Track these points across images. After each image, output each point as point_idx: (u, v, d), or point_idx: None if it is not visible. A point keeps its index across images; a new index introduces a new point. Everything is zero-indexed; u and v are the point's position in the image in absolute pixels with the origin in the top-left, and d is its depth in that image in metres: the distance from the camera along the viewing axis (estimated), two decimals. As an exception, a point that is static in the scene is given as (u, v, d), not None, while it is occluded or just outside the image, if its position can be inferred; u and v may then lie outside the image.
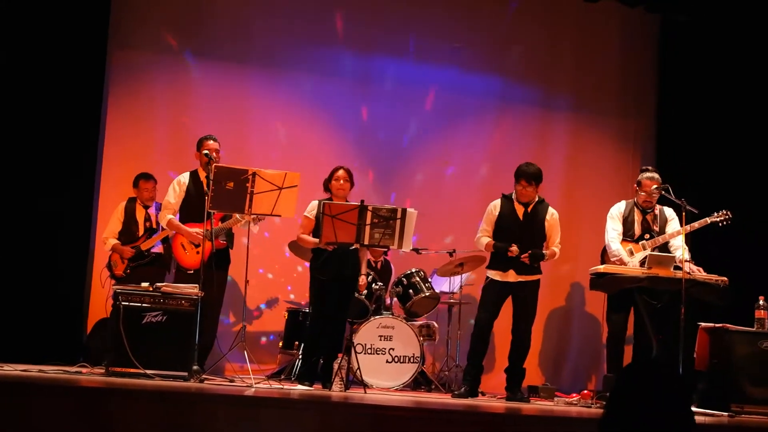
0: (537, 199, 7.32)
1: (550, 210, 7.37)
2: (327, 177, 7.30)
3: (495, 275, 7.27)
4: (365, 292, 7.86)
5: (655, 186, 7.33)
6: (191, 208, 7.27)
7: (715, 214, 7.36)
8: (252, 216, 6.89)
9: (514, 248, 7.13)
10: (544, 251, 7.25)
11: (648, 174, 7.45)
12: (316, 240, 7.05)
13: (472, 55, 9.60)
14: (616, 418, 2.60)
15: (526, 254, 7.13)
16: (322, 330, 7.18)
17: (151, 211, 7.96)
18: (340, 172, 7.23)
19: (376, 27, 9.45)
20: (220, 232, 7.18)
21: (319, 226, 7.07)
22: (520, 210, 7.30)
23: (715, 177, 9.03)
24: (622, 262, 7.29)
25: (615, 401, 2.62)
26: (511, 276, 7.22)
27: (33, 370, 6.38)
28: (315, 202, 7.20)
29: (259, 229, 7.34)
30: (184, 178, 7.37)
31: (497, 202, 7.38)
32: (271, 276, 8.98)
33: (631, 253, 7.36)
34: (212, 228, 6.88)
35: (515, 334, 7.31)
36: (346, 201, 7.17)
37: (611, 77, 9.88)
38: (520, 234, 7.24)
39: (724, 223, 7.35)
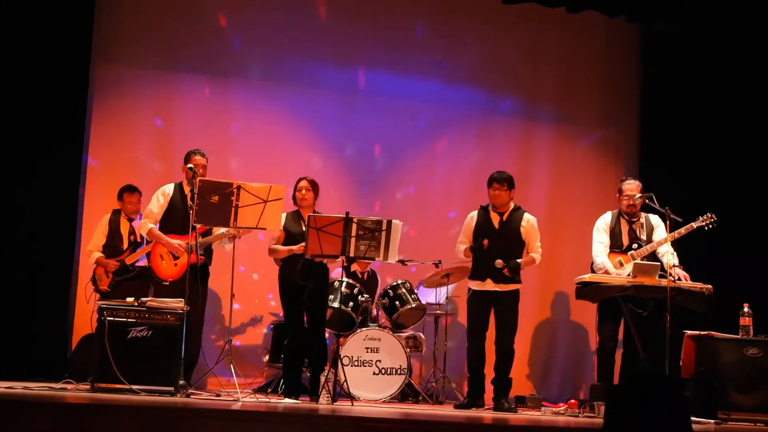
0: (512, 206, 7.41)
1: (526, 216, 7.42)
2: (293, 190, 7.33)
3: (474, 285, 7.39)
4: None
5: (637, 195, 7.38)
6: (173, 221, 7.26)
7: (700, 218, 7.40)
8: (235, 230, 6.90)
9: (499, 261, 7.21)
10: (519, 259, 7.30)
11: (628, 181, 7.55)
12: (287, 248, 7.08)
13: (455, 67, 9.63)
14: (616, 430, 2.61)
15: (505, 267, 7.20)
16: (300, 339, 7.17)
17: (136, 224, 7.92)
18: (302, 183, 7.25)
19: (360, 40, 9.46)
20: (202, 246, 7.15)
21: (290, 237, 7.09)
22: (495, 219, 7.39)
23: (698, 186, 9.08)
24: (608, 274, 7.32)
25: (613, 413, 2.63)
26: (489, 285, 7.30)
27: (18, 387, 6.33)
28: (283, 215, 7.17)
29: (233, 246, 7.24)
30: (169, 188, 7.35)
31: (474, 213, 7.50)
32: (256, 277, 8.95)
33: (621, 265, 7.38)
34: (197, 241, 6.87)
35: (499, 344, 7.36)
36: (314, 211, 7.17)
37: (594, 87, 9.92)
38: (496, 242, 7.30)
39: (710, 226, 7.39)
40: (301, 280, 7.03)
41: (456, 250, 7.57)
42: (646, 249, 7.38)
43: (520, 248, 7.38)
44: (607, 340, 7.43)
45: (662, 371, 6.75)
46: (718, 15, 9.11)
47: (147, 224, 7.27)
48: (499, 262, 7.20)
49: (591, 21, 9.70)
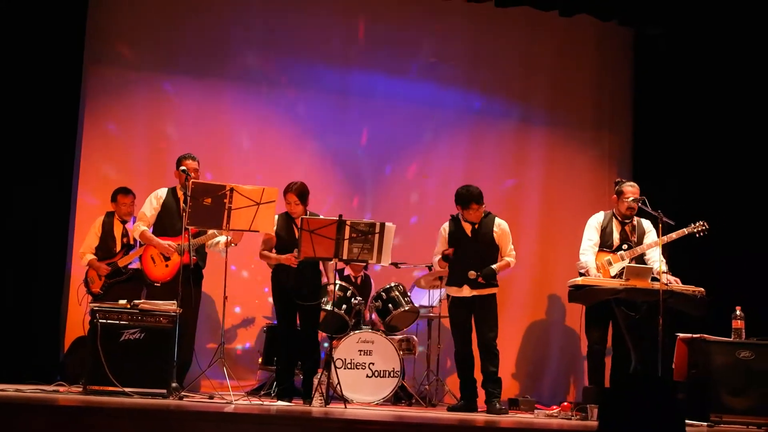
0: (482, 213, 7.39)
1: (497, 221, 7.44)
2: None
3: (452, 291, 7.43)
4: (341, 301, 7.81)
5: (632, 198, 7.39)
6: (167, 224, 7.27)
7: (692, 225, 7.43)
8: (227, 234, 6.89)
9: (472, 273, 7.24)
10: (494, 265, 7.31)
11: (630, 183, 7.55)
12: (276, 257, 7.08)
13: (448, 71, 9.63)
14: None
15: (479, 276, 7.23)
16: (293, 342, 7.18)
17: (129, 226, 7.90)
18: (289, 196, 7.13)
19: (354, 43, 9.47)
20: (194, 247, 7.14)
21: (281, 242, 7.08)
22: (467, 227, 7.41)
23: (690, 189, 9.09)
24: (587, 274, 7.34)
25: (607, 416, 2.64)
26: (466, 290, 7.33)
27: (9, 390, 6.32)
28: (276, 217, 7.15)
29: (228, 253, 7.22)
30: (162, 192, 7.36)
31: (446, 225, 7.51)
32: (247, 276, 8.94)
33: (610, 264, 7.40)
34: (189, 242, 6.87)
35: (481, 345, 7.37)
36: (308, 213, 7.15)
37: (587, 91, 9.94)
38: (471, 250, 7.34)
39: (701, 234, 7.42)
40: (295, 295, 7.05)
41: (433, 261, 7.63)
42: (636, 250, 7.40)
43: (494, 253, 7.40)
44: (596, 343, 7.45)
45: (655, 374, 6.76)
46: (711, 18, 9.13)
47: (140, 226, 7.29)
48: (472, 274, 7.24)
49: (583, 24, 9.71)
